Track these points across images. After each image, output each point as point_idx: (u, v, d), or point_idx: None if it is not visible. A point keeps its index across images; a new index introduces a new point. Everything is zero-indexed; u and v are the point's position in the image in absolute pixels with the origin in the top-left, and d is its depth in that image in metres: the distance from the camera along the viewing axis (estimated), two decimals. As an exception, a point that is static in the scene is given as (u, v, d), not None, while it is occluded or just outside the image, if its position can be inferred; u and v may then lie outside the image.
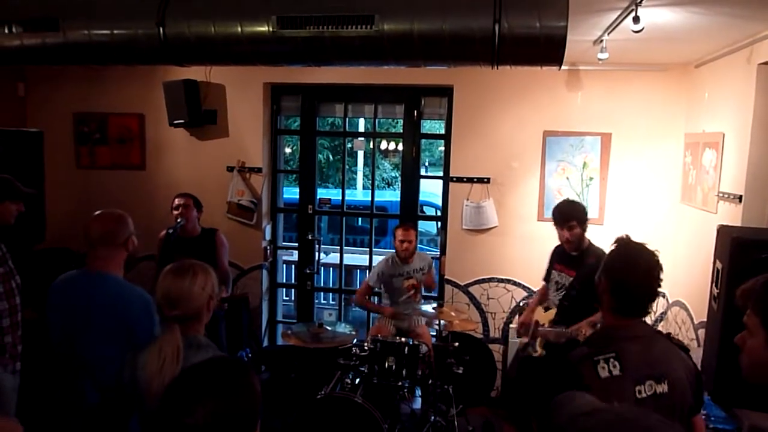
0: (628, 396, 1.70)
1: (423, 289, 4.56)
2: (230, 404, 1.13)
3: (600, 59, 3.50)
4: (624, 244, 1.92)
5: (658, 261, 1.84)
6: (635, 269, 1.81)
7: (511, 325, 4.73)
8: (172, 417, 1.11)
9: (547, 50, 2.74)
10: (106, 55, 3.28)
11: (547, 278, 3.98)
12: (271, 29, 2.96)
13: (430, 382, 3.94)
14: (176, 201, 4.22)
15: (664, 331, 4.37)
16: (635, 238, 1.95)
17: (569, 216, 3.60)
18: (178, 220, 4.12)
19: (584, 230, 3.63)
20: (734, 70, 3.49)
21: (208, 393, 1.13)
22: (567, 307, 3.62)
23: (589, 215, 4.42)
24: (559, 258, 3.83)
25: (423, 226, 8.24)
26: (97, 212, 2.45)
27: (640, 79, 4.40)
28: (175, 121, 4.88)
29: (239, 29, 3.01)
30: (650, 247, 1.87)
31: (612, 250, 1.92)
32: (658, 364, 1.78)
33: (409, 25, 2.83)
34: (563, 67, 4.30)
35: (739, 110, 3.36)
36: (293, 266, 5.87)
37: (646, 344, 1.81)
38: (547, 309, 3.85)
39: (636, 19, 2.74)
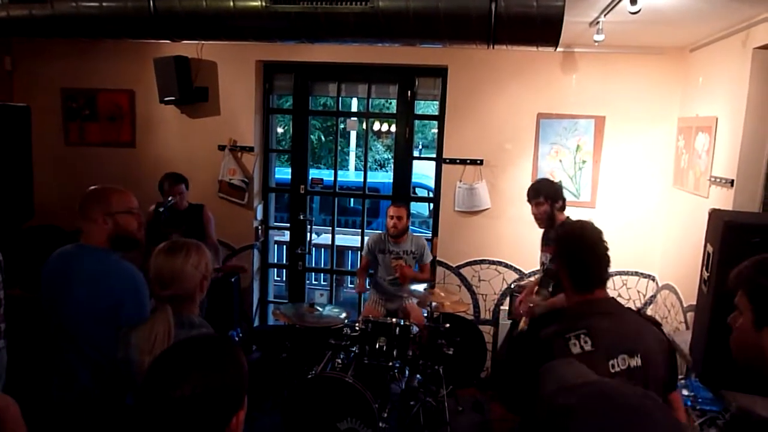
0: (602, 371, 1.70)
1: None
2: (216, 379, 1.11)
3: (596, 41, 3.48)
4: (567, 226, 2.06)
5: (600, 231, 1.94)
6: (583, 242, 1.91)
7: (501, 307, 4.75)
8: (158, 391, 1.10)
9: (544, 30, 2.72)
10: (95, 28, 3.23)
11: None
12: (263, 4, 2.91)
13: (420, 362, 3.96)
14: (167, 186, 4.21)
15: (651, 313, 4.43)
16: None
17: (537, 192, 3.68)
18: (170, 198, 4.11)
19: (556, 208, 3.65)
20: (729, 54, 3.48)
21: (193, 367, 1.11)
22: (549, 281, 3.65)
23: (581, 198, 4.48)
24: (543, 240, 3.87)
25: (415, 207, 8.24)
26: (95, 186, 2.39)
27: (635, 62, 4.38)
28: (166, 98, 4.81)
29: (231, 3, 2.96)
30: (590, 220, 2.02)
31: (558, 235, 2.03)
32: (630, 339, 1.80)
33: (405, 2, 2.79)
34: (558, 49, 4.28)
35: (733, 94, 3.35)
36: (285, 246, 5.86)
37: (616, 320, 1.83)
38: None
39: (633, 0, 2.72)
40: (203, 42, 4.69)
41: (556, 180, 4.48)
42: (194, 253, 1.99)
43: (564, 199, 3.71)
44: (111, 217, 2.30)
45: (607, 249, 1.90)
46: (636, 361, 1.77)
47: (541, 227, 3.76)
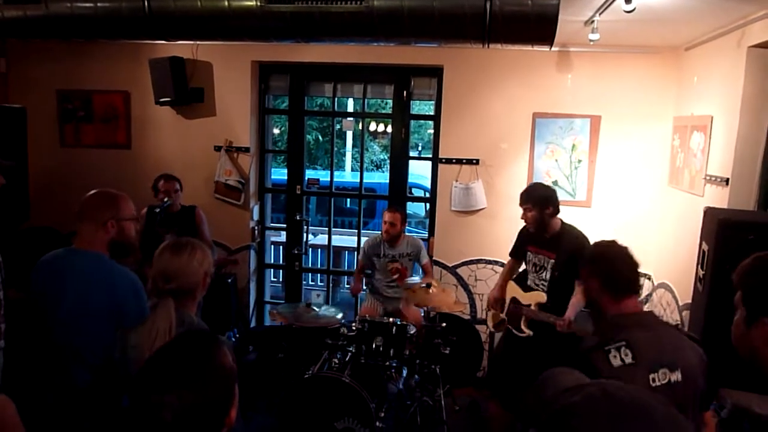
0: (642, 384, 1.67)
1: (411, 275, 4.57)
2: (199, 393, 1.09)
3: (591, 40, 3.48)
4: (590, 247, 2.13)
5: (623, 244, 2.01)
6: (614, 253, 1.96)
7: (483, 296, 4.74)
8: (144, 411, 1.08)
9: (539, 28, 2.73)
10: (89, 28, 3.22)
11: (516, 255, 4.02)
12: (258, 4, 2.91)
13: (417, 362, 3.96)
14: (162, 185, 4.19)
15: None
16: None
17: (526, 197, 3.69)
18: (165, 200, 4.10)
19: (546, 215, 3.63)
20: (724, 53, 3.49)
21: (174, 385, 1.08)
22: (554, 290, 3.67)
23: (577, 198, 4.49)
24: (531, 240, 3.83)
25: (412, 207, 8.24)
26: (96, 189, 2.41)
27: (631, 61, 4.39)
28: (161, 99, 4.80)
29: (226, 3, 2.96)
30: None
31: (584, 257, 2.09)
32: (670, 353, 1.76)
33: (400, 1, 2.79)
34: (554, 49, 4.29)
35: (728, 93, 3.36)
36: (281, 247, 5.85)
37: (655, 333, 1.81)
38: (528, 290, 3.86)
39: (628, -1, 2.73)
40: (198, 42, 4.69)
41: (552, 180, 4.50)
42: (199, 251, 2.02)
43: (555, 206, 3.65)
44: (118, 222, 2.33)
45: (634, 257, 1.96)
46: (676, 376, 1.73)
47: (532, 230, 3.74)
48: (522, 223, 3.88)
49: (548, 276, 3.72)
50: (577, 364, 1.76)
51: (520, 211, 4.53)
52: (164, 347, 1.24)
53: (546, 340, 3.51)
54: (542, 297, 3.70)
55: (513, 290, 3.95)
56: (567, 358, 1.94)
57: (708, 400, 1.87)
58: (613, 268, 1.91)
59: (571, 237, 3.60)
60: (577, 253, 3.44)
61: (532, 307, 3.73)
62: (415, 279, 4.14)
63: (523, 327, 3.75)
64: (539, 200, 3.64)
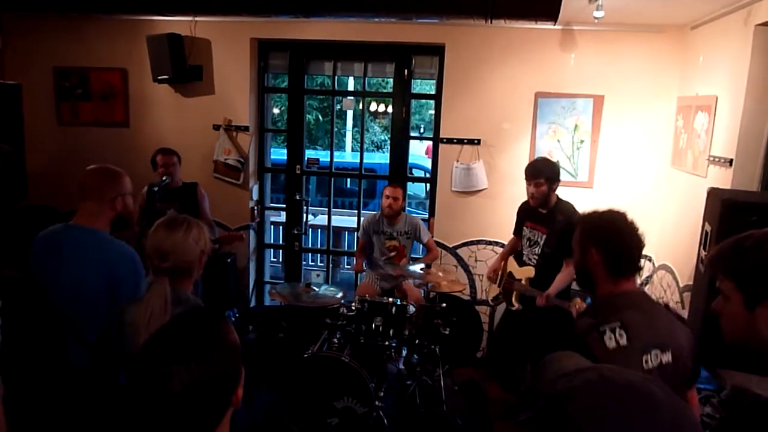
0: (636, 366, 1.65)
1: (411, 254, 4.57)
2: (207, 367, 1.08)
3: (596, 18, 3.42)
4: (596, 214, 1.97)
5: (631, 218, 1.91)
6: (620, 228, 1.87)
7: (483, 277, 4.73)
8: (149, 387, 1.07)
9: (544, 3, 2.67)
10: (85, 1, 3.16)
11: (518, 233, 4.06)
12: (257, -22, 2.85)
13: (417, 342, 3.97)
14: (160, 159, 4.17)
15: (654, 297, 4.43)
16: (624, 202, 1.97)
17: (539, 173, 3.66)
18: (164, 178, 4.07)
19: (552, 189, 3.68)
20: (730, 31, 3.43)
21: (183, 358, 1.07)
22: (543, 265, 3.69)
23: (579, 178, 4.47)
24: (528, 215, 3.90)
25: (412, 188, 8.22)
26: (93, 165, 2.39)
27: (635, 40, 4.32)
28: (159, 77, 4.74)
29: (224, -23, 2.90)
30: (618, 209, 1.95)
31: (587, 223, 1.95)
32: (662, 334, 1.75)
33: (401, -25, 2.74)
34: (557, 27, 4.23)
35: (734, 73, 3.31)
36: (281, 227, 5.84)
37: (648, 313, 1.79)
38: (522, 264, 3.90)
39: (634, -25, 2.67)
40: (197, 19, 4.61)
41: (553, 160, 4.46)
42: (195, 228, 2.00)
43: (559, 181, 3.72)
44: (122, 197, 2.35)
45: (641, 234, 1.87)
46: (667, 357, 1.72)
47: (534, 205, 3.75)
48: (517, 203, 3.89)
49: (539, 251, 3.74)
50: (574, 347, 1.75)
51: (522, 191, 4.51)
52: (173, 320, 1.23)
53: (542, 320, 3.53)
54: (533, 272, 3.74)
55: (512, 266, 3.99)
56: (563, 341, 1.90)
57: (693, 378, 1.87)
58: (619, 246, 1.83)
59: (566, 214, 3.62)
60: (570, 230, 3.45)
61: (523, 282, 3.77)
62: (415, 269, 4.12)
63: (513, 301, 3.80)
64: (551, 175, 3.65)
